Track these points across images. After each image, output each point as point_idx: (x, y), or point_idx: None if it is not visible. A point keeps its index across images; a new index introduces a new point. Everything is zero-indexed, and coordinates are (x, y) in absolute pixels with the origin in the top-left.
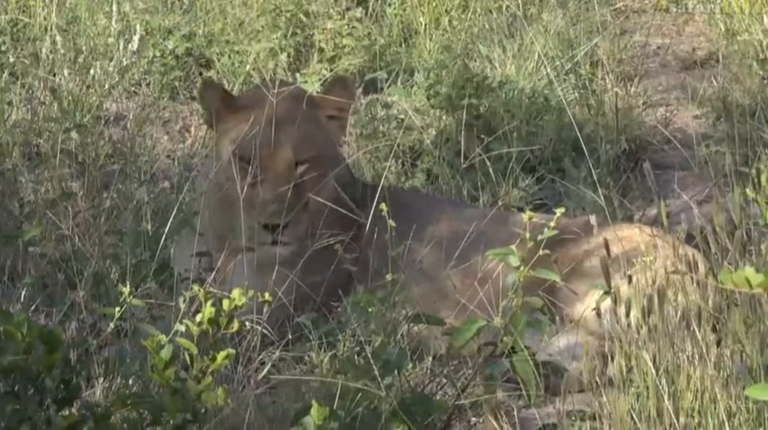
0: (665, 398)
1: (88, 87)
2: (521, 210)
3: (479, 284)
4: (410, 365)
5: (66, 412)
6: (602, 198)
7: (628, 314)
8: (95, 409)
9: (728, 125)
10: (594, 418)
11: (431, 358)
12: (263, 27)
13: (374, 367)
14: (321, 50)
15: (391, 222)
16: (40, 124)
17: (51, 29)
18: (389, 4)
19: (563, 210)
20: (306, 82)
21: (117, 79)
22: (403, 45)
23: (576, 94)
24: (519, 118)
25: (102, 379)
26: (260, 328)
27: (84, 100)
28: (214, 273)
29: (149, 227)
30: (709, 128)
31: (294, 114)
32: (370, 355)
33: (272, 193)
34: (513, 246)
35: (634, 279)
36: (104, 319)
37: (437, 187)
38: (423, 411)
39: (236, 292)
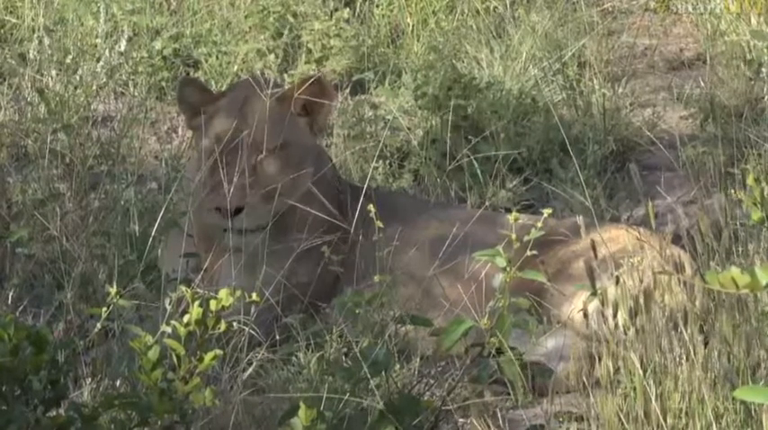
0: (653, 399)
1: (76, 88)
2: (508, 211)
3: (467, 285)
4: (397, 366)
5: (54, 413)
6: (589, 199)
7: (615, 315)
8: (83, 410)
9: (715, 126)
10: (582, 419)
11: (418, 359)
12: (250, 28)
13: (362, 368)
14: (309, 51)
15: (379, 223)
16: (27, 125)
17: (39, 29)
18: (377, 5)
19: (550, 211)
20: (293, 83)
21: (104, 80)
22: (390, 46)
23: (564, 95)
24: (506, 119)
25: (89, 379)
26: (247, 329)
27: (72, 101)
28: (201, 273)
29: (137, 227)
30: (696, 128)
31: (263, 104)
32: (357, 356)
33: (228, 179)
34: (500, 248)
35: (621, 280)
36: (92, 320)
37: (424, 188)
38: (410, 412)
39: (223, 293)
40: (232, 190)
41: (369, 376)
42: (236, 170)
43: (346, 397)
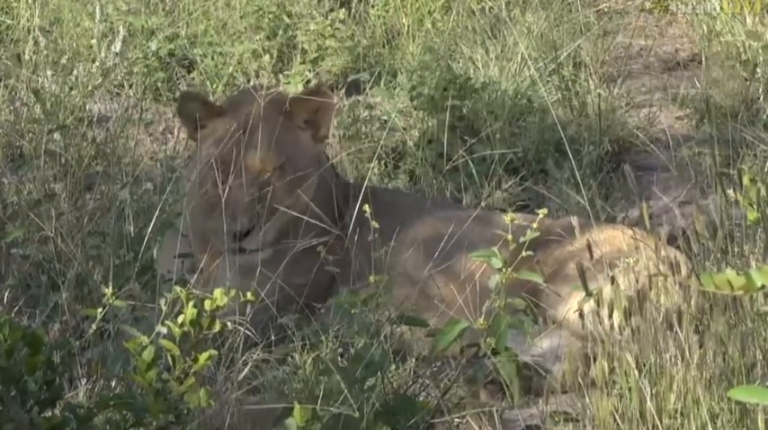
0: (648, 399)
1: (71, 89)
2: (504, 211)
3: (463, 285)
4: (393, 367)
5: (49, 413)
6: (584, 199)
7: (610, 316)
8: (78, 411)
9: (711, 126)
10: (577, 420)
11: (414, 359)
12: (245, 28)
13: (357, 369)
14: (304, 52)
15: (375, 223)
16: (22, 125)
17: (34, 30)
18: (372, 6)
19: (546, 211)
20: (289, 83)
21: (100, 81)
22: (386, 46)
23: (559, 96)
24: (502, 119)
25: (84, 380)
26: (242, 330)
27: (67, 101)
28: (197, 274)
29: (132, 228)
30: (691, 129)
31: (267, 121)
32: (353, 357)
33: (236, 200)
34: (496, 248)
35: (616, 280)
36: (87, 321)
37: (420, 188)
38: (406, 412)
39: (217, 293)
40: (241, 212)
41: (364, 377)
42: (244, 190)
43: (341, 397)
